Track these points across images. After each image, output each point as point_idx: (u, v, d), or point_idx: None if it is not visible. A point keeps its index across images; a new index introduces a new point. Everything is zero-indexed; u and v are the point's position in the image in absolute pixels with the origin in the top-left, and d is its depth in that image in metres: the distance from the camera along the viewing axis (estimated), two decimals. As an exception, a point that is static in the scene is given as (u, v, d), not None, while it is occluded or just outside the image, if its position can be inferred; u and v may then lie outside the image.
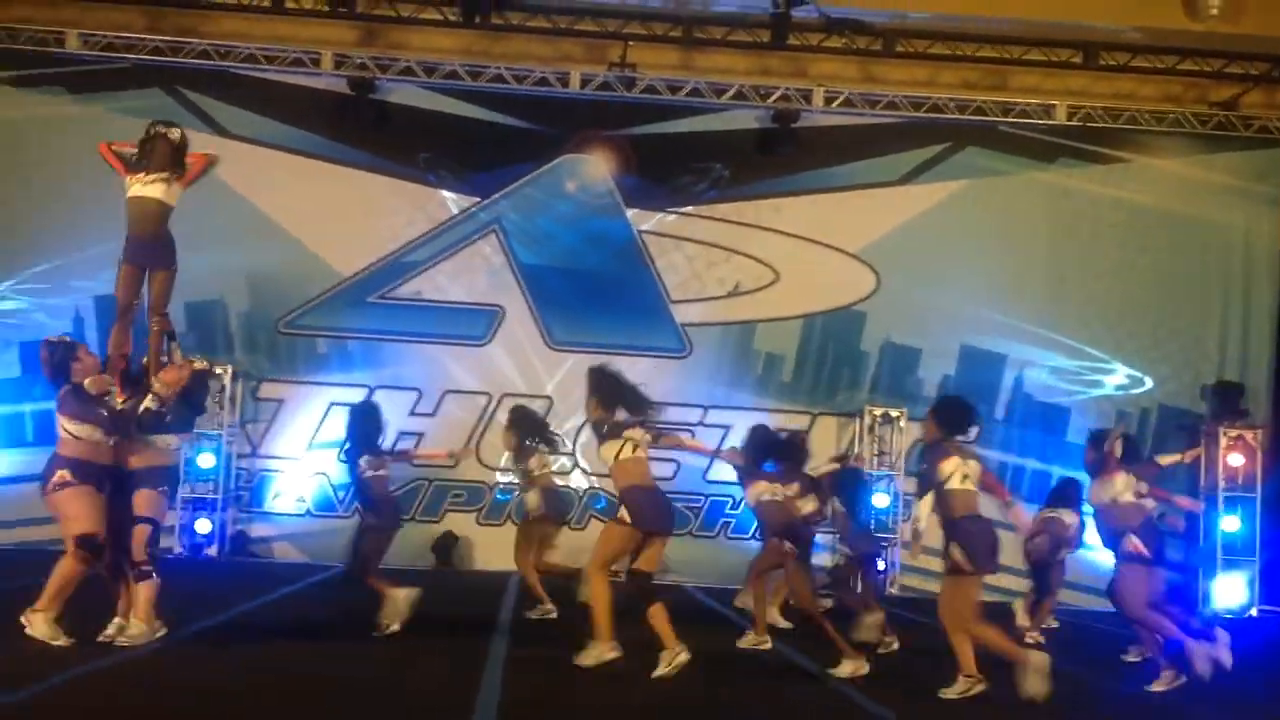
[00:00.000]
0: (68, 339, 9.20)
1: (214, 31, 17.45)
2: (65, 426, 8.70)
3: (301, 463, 16.93)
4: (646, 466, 9.19)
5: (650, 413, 9.29)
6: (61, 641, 8.48)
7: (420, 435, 16.92)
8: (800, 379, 17.73)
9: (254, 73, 17.13)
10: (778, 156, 17.74)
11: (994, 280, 17.84)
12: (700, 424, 17.35)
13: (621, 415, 9.09)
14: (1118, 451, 10.17)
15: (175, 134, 9.34)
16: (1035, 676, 8.45)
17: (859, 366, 17.77)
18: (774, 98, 17.60)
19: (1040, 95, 17.82)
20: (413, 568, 15.75)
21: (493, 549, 16.76)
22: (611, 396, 9.12)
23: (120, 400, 8.83)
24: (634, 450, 9.07)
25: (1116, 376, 17.95)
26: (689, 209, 17.79)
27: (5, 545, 15.27)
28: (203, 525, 16.30)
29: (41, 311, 16.73)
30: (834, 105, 17.67)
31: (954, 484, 8.80)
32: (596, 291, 17.40)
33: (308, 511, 16.94)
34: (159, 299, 9.20)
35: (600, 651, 8.98)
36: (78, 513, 8.60)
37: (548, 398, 17.26)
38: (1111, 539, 10.20)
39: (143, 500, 8.75)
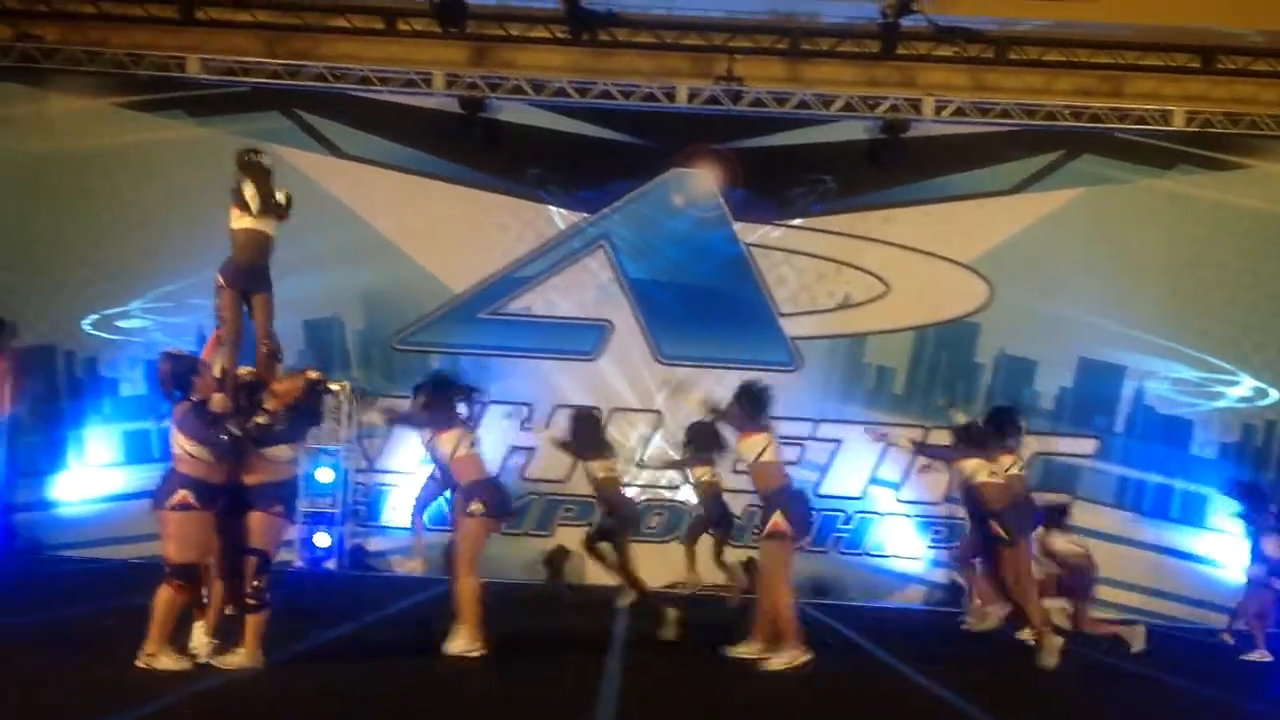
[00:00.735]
0: (186, 353, 9.23)
1: (329, 54, 17.77)
2: (183, 444, 8.51)
3: (416, 477, 17.09)
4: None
5: None
6: (186, 664, 8.45)
7: (531, 450, 17.10)
8: (912, 392, 17.52)
9: (368, 94, 17.41)
10: (887, 167, 17.59)
11: (1112, 290, 17.46)
12: (810, 438, 17.26)
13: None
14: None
15: (269, 160, 9.51)
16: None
17: (973, 379, 17.51)
18: (883, 108, 17.47)
19: (1157, 101, 17.44)
20: (524, 581, 15.92)
21: (604, 563, 16.86)
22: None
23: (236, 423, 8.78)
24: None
25: (1240, 388, 17.49)
26: (797, 221, 17.70)
27: (132, 559, 15.61)
28: (321, 539, 16.59)
29: (163, 330, 17.11)
30: (944, 114, 17.45)
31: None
32: (705, 305, 17.38)
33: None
34: (265, 322, 9.24)
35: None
36: (186, 538, 8.42)
37: (657, 412, 17.32)
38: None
39: (255, 526, 8.57)
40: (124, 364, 17.17)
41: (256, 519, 8.57)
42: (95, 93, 17.31)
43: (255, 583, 8.51)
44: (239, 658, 8.52)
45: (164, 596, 8.37)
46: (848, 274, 17.58)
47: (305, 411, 9.00)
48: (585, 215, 17.61)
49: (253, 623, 8.55)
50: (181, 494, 8.41)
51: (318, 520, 16.59)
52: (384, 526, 16.68)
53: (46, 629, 10.15)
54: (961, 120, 17.54)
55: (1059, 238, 17.51)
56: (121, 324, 17.34)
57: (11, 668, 8.28)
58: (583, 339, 17.44)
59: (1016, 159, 17.69)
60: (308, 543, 16.56)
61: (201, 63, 17.23)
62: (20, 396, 16.16)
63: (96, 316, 17.23)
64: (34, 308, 17.10)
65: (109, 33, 17.70)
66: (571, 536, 16.97)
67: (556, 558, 16.87)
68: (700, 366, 17.35)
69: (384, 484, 16.63)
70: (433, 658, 9.75)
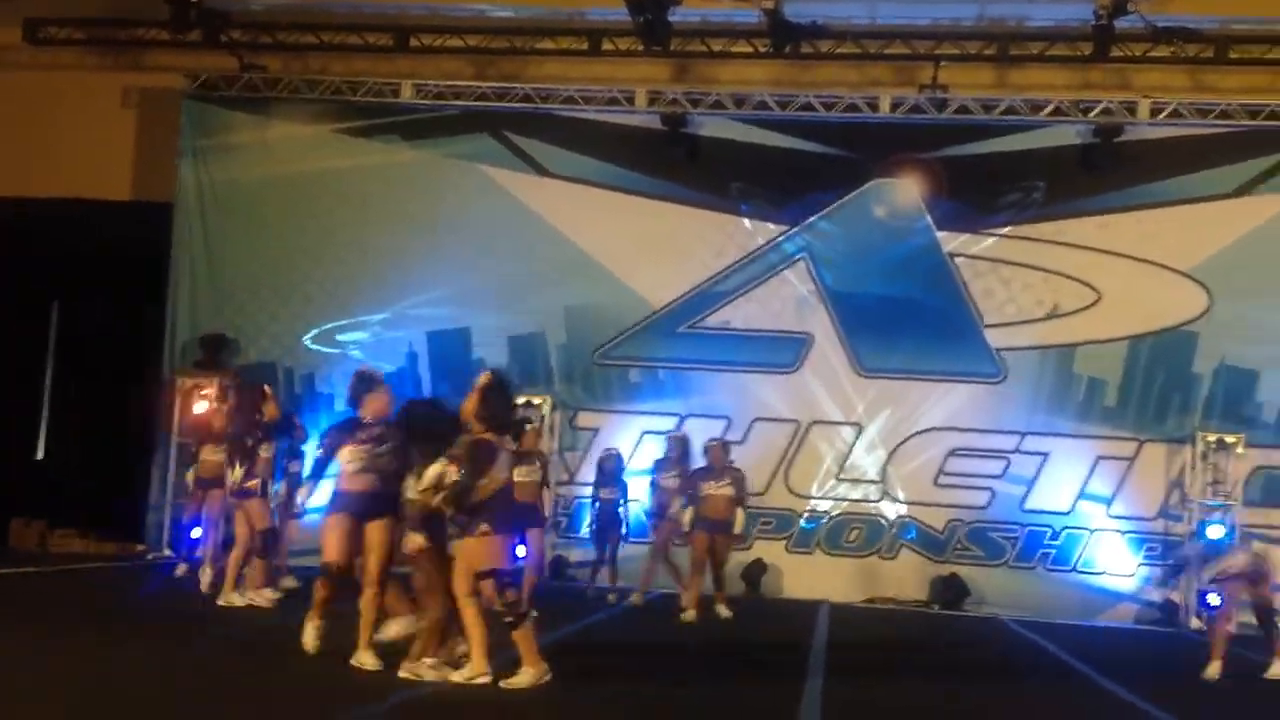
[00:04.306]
0: (367, 372, 9.57)
1: (535, 75, 18.19)
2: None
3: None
4: None
5: None
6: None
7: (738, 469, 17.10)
8: (1126, 404, 16.85)
9: (572, 113, 17.72)
10: (1100, 172, 17.03)
11: (1341, 297, 16.58)
12: (1016, 450, 16.82)
13: None
14: None
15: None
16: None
17: (1190, 390, 16.75)
18: (1095, 112, 16.96)
19: (1390, 96, 16.50)
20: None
21: (801, 577, 16.77)
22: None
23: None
24: None
25: None
26: (1004, 230, 17.24)
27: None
28: (521, 550, 16.82)
29: (379, 345, 17.63)
30: (1161, 117, 16.85)
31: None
32: (907, 317, 17.06)
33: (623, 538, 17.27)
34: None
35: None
36: (323, 542, 9.14)
37: (857, 424, 17.14)
38: None
39: (470, 550, 8.48)
40: (339, 379, 17.76)
41: (468, 544, 8.50)
42: (315, 119, 18.06)
43: (506, 598, 8.43)
44: (524, 677, 8.45)
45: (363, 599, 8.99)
46: (1056, 282, 17.04)
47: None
48: (786, 228, 17.50)
49: (520, 639, 8.49)
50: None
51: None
52: (584, 538, 16.86)
53: (256, 634, 10.61)
54: (1179, 122, 16.90)
55: (1284, 242, 16.70)
56: (340, 338, 17.98)
57: (220, 673, 8.72)
58: (783, 352, 17.32)
59: (1238, 161, 16.88)
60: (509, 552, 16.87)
61: (414, 87, 17.83)
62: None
63: (316, 331, 17.92)
64: (256, 325, 17.97)
65: (328, 61, 18.51)
66: (770, 550, 17.02)
67: (754, 571, 16.90)
68: (903, 378, 17.12)
69: (584, 496, 16.75)
70: (634, 671, 9.84)
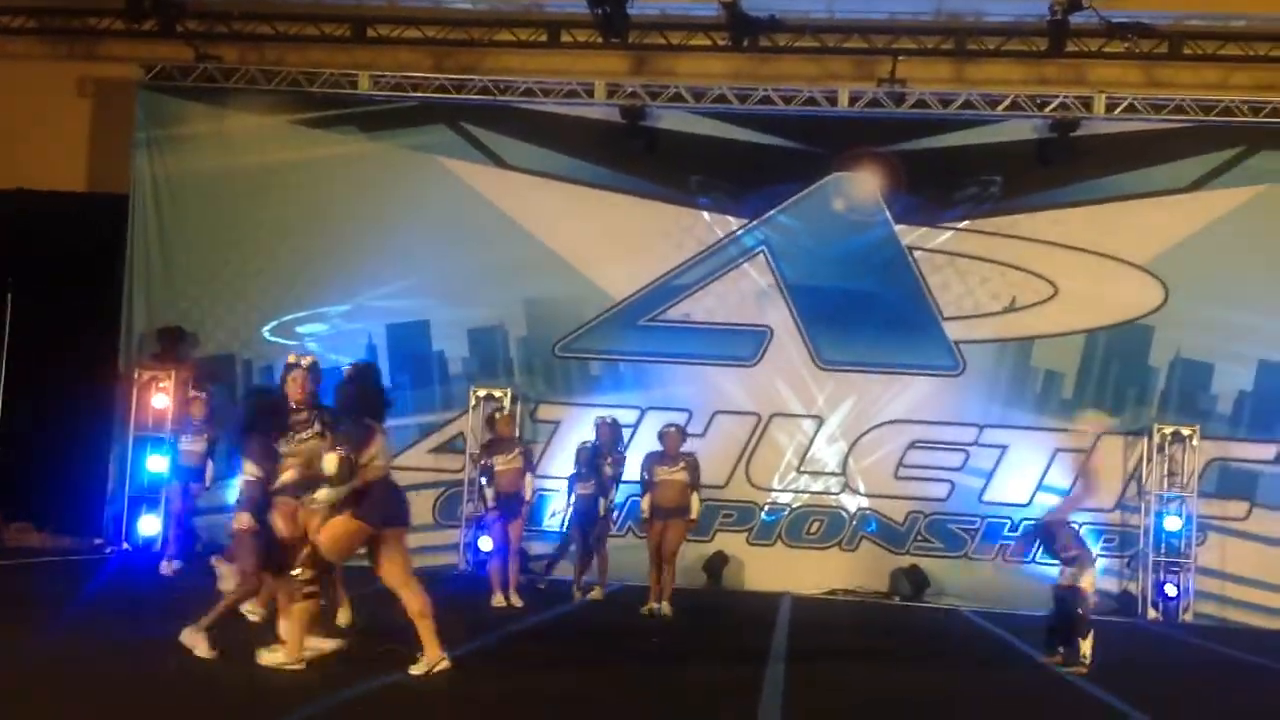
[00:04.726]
0: (290, 360, 9.63)
1: (494, 67, 18.14)
2: None
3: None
4: None
5: None
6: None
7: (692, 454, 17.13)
8: (1082, 396, 16.99)
9: (531, 105, 17.67)
10: (1056, 167, 17.16)
11: (1293, 291, 16.79)
12: (975, 443, 16.95)
13: None
14: None
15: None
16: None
17: (1146, 383, 16.94)
18: (1052, 107, 17.09)
19: (1342, 93, 16.71)
20: (684, 587, 15.95)
21: (762, 569, 16.82)
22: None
23: None
24: None
25: None
26: (962, 224, 17.36)
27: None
28: (485, 543, 16.82)
29: (339, 337, 17.50)
30: (1116, 112, 17.01)
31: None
32: (866, 310, 17.14)
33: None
34: None
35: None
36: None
37: (817, 417, 17.20)
38: None
39: (328, 526, 8.43)
40: (299, 371, 17.65)
41: (331, 520, 8.49)
42: (271, 110, 17.91)
43: (305, 568, 8.53)
44: (277, 654, 8.52)
45: None
46: (1014, 276, 17.18)
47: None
48: (745, 221, 17.54)
49: (296, 614, 8.55)
50: None
51: (481, 525, 16.83)
52: (544, 531, 16.87)
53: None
54: (1134, 117, 17.07)
55: (1238, 237, 16.90)
56: (300, 329, 17.81)
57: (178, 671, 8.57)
58: (743, 344, 17.36)
59: (1193, 156, 17.08)
60: (472, 546, 16.86)
61: (372, 79, 17.73)
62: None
63: (275, 323, 17.76)
64: (214, 318, 17.80)
65: (285, 52, 18.40)
66: (731, 542, 17.07)
67: (715, 563, 16.94)
68: (862, 371, 17.20)
69: (544, 489, 16.69)
70: (596, 661, 9.81)
